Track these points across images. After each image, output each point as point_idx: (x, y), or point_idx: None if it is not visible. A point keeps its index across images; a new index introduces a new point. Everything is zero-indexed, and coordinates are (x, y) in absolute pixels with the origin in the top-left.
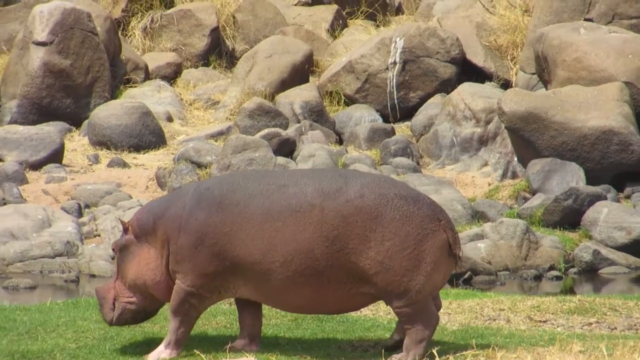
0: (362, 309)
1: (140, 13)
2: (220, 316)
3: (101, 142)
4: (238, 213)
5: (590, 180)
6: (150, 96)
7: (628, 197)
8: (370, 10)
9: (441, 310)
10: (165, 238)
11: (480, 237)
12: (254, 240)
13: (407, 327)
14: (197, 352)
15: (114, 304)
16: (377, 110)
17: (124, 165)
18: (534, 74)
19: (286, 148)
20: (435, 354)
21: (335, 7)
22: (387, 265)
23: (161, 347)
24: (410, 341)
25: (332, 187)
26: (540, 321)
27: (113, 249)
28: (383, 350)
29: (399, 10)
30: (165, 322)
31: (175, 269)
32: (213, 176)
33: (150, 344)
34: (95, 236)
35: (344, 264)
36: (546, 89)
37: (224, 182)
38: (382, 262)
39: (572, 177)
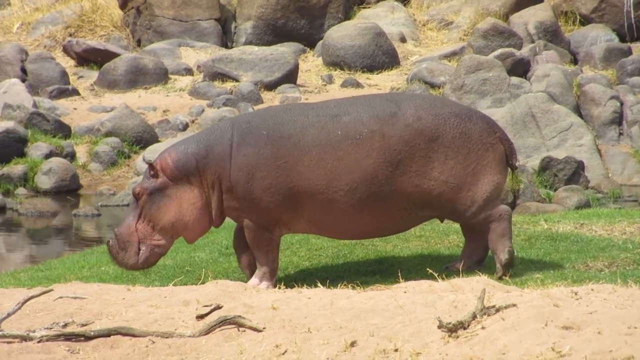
0: (597, 230)
1: None
2: (452, 235)
3: (335, 62)
4: (292, 146)
5: None
6: (384, 17)
7: None
8: None
9: None
10: (216, 178)
11: None
12: (314, 171)
13: (489, 236)
14: (430, 271)
15: (139, 248)
16: (614, 30)
17: (358, 85)
18: None
19: (520, 68)
20: None
21: None
22: (452, 183)
23: (255, 279)
24: (497, 243)
25: (387, 112)
26: None
27: (137, 193)
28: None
29: None
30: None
31: (232, 205)
32: (254, 111)
33: (382, 262)
34: None
35: (407, 187)
36: None
37: (266, 116)
38: (447, 181)
39: None
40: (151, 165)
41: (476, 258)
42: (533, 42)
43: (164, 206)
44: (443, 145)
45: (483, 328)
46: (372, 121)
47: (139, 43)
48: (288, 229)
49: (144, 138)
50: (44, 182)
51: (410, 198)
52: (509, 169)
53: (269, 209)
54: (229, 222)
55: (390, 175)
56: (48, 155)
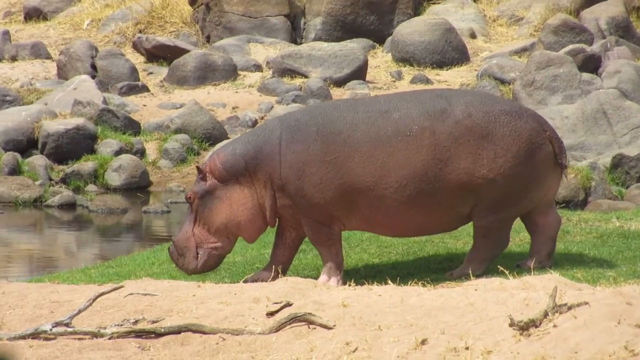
0: None
1: None
2: (523, 232)
3: (404, 58)
4: (342, 142)
5: None
6: (454, 12)
7: None
8: None
9: None
10: (267, 177)
11: None
12: (364, 167)
13: (482, 241)
14: (501, 268)
15: (197, 252)
16: None
17: (427, 81)
18: None
19: (591, 64)
20: None
21: None
22: (500, 181)
23: (324, 276)
24: (475, 255)
25: (437, 109)
26: None
27: (189, 198)
28: None
29: None
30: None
31: (285, 203)
32: (302, 109)
33: (453, 259)
34: None
35: (456, 184)
36: None
37: (315, 113)
38: (495, 179)
39: None
40: (199, 169)
41: (545, 251)
42: (604, 37)
43: (215, 208)
44: (493, 143)
45: (555, 326)
46: (422, 117)
47: (208, 39)
48: (343, 226)
49: (213, 135)
50: (114, 178)
51: (459, 195)
52: (559, 169)
53: (321, 205)
54: None
55: (440, 172)
56: (118, 152)
